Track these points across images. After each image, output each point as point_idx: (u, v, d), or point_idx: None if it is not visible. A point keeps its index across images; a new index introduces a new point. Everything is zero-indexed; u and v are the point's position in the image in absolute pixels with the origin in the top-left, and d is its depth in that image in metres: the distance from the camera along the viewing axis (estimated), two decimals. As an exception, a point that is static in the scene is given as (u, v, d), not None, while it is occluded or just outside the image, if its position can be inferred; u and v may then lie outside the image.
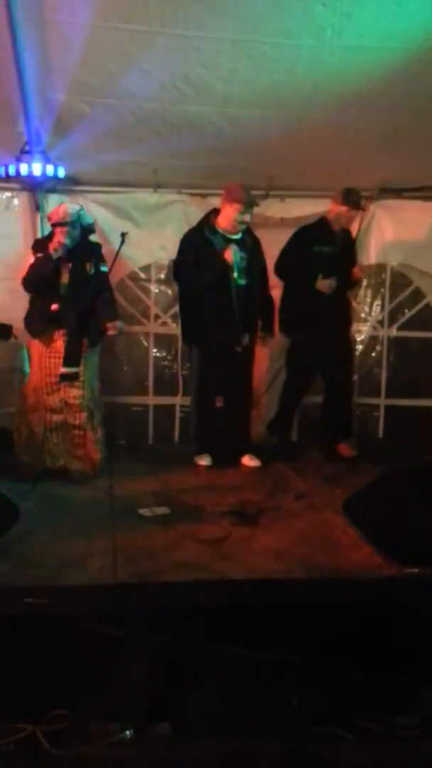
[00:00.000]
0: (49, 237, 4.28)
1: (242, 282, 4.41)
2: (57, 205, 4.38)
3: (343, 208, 4.57)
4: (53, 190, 4.81)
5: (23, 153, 4.38)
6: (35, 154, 4.37)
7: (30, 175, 4.45)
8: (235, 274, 4.36)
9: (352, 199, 4.57)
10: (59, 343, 4.20)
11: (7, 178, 4.51)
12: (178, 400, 5.31)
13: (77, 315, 4.16)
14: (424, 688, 3.01)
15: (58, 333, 4.20)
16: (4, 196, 4.89)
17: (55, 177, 4.54)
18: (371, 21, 3.48)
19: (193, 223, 5.02)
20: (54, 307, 4.12)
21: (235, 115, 4.17)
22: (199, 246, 4.42)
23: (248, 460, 4.67)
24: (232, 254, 4.34)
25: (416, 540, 3.05)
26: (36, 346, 4.29)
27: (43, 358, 4.23)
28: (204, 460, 4.64)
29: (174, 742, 2.77)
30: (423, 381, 5.41)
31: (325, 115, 4.15)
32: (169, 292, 5.29)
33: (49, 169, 4.45)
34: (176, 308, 5.25)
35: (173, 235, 5.07)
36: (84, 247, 4.25)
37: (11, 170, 4.42)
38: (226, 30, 3.52)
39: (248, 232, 4.55)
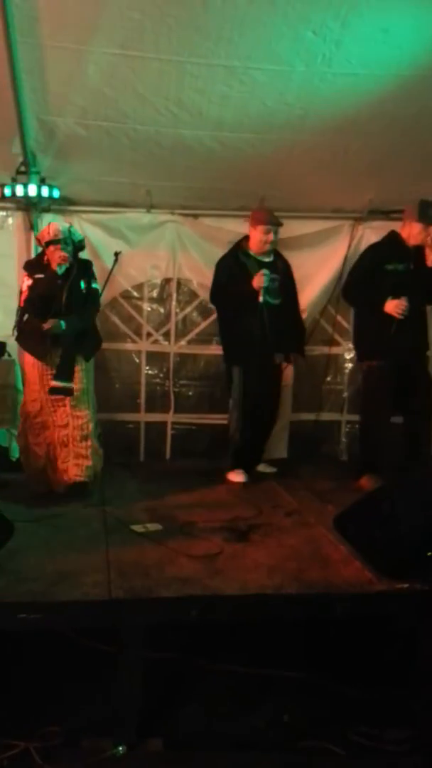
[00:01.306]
0: (40, 257, 4.30)
1: (275, 302, 4.58)
2: (47, 223, 4.39)
3: (419, 225, 4.35)
4: (48, 210, 4.86)
5: (19, 173, 4.44)
6: (31, 175, 4.43)
7: (25, 195, 4.50)
8: (267, 296, 4.52)
9: (430, 214, 4.34)
10: (56, 359, 4.19)
11: (3, 197, 4.55)
12: (170, 417, 5.35)
13: (74, 331, 4.17)
14: (415, 701, 3.04)
15: (55, 351, 4.19)
16: (-1, 215, 4.95)
17: (50, 197, 4.59)
18: (360, 48, 3.61)
19: (186, 243, 5.14)
20: (46, 325, 4.11)
21: (227, 138, 4.27)
22: (233, 269, 4.58)
23: (264, 468, 4.93)
24: (261, 279, 4.48)
25: (406, 555, 3.09)
26: (35, 365, 4.24)
27: (45, 377, 4.21)
28: (239, 477, 4.69)
29: (166, 758, 2.78)
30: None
31: (315, 139, 4.25)
32: (161, 310, 5.35)
33: (44, 190, 4.51)
34: (168, 326, 5.33)
35: (166, 255, 5.17)
36: (77, 264, 4.27)
37: (7, 190, 4.46)
38: (219, 56, 3.63)
39: (279, 255, 4.74)
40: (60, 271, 4.14)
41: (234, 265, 4.59)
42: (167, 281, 5.29)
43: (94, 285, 4.33)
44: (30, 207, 4.82)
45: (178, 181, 4.73)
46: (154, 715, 2.92)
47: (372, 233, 5.18)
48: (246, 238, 4.68)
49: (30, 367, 4.29)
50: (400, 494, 3.22)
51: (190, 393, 5.44)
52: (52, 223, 4.26)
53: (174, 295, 5.29)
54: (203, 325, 5.35)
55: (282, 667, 3.21)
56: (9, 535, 3.20)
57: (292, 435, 5.37)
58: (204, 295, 5.24)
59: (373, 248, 4.60)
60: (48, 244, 4.18)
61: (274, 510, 4.09)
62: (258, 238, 4.57)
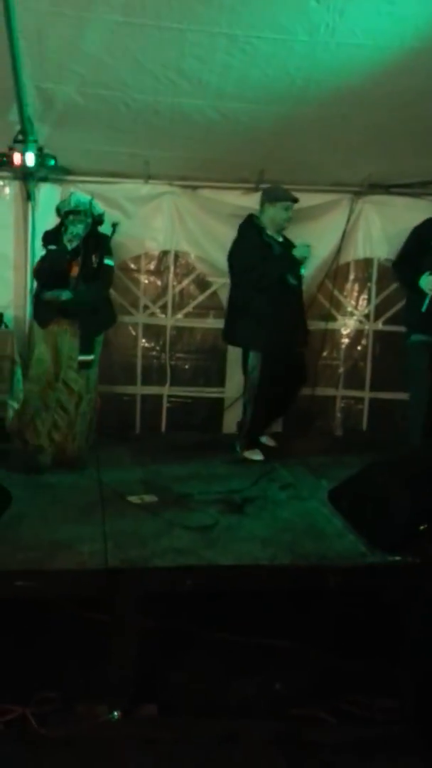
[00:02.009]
0: (59, 228, 4.30)
1: (295, 283, 4.58)
2: (69, 194, 4.46)
3: None
4: (45, 180, 4.81)
5: (16, 142, 4.38)
6: (28, 143, 4.37)
7: (22, 164, 4.45)
8: (290, 277, 4.51)
9: None
10: (64, 333, 4.24)
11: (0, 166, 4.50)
12: (166, 390, 5.36)
13: (88, 306, 4.20)
14: (402, 673, 3.10)
15: (63, 322, 4.23)
16: (-5, 185, 4.89)
17: (47, 166, 4.54)
18: (364, 19, 3.53)
19: (184, 215, 5.10)
20: (65, 297, 4.16)
21: (227, 109, 4.20)
22: (262, 249, 4.52)
23: (268, 440, 4.91)
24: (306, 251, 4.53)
25: (398, 529, 3.13)
26: (40, 334, 4.35)
27: (50, 346, 4.28)
28: (256, 455, 4.68)
29: (161, 723, 2.84)
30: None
31: (317, 111, 4.19)
32: (159, 282, 5.32)
33: (42, 159, 4.44)
34: (165, 299, 5.30)
35: (164, 226, 5.13)
36: (93, 238, 4.26)
37: (3, 159, 4.40)
38: (221, 24, 3.55)
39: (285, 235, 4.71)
40: (71, 246, 4.16)
41: (262, 245, 4.52)
42: (165, 253, 5.25)
43: (107, 261, 4.32)
44: (27, 176, 4.76)
45: (176, 151, 4.67)
46: (149, 682, 2.97)
47: (372, 208, 5.16)
48: (254, 215, 4.64)
49: (39, 340, 4.36)
50: (395, 470, 3.26)
51: (187, 366, 5.43)
52: (74, 193, 4.31)
53: (171, 268, 5.26)
54: (200, 298, 5.33)
55: (275, 636, 3.26)
56: (6, 504, 3.23)
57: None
58: (202, 268, 5.24)
59: (418, 227, 4.69)
60: (67, 214, 4.20)
61: (269, 483, 4.12)
62: (278, 215, 4.57)
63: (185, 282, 5.33)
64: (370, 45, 3.71)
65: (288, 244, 4.67)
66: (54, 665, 3.04)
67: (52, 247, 4.20)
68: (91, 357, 4.25)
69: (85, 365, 4.25)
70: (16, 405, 4.55)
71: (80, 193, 4.37)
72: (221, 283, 5.23)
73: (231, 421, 5.32)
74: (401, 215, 5.13)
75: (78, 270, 4.15)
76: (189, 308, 5.34)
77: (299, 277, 4.67)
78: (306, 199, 5.02)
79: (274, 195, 4.56)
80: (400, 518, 3.13)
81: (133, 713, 2.85)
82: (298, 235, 4.94)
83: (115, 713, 2.82)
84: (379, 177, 4.97)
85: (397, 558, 3.09)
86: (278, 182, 5.02)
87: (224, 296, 5.25)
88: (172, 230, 5.13)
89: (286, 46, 3.72)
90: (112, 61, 3.82)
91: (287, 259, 4.54)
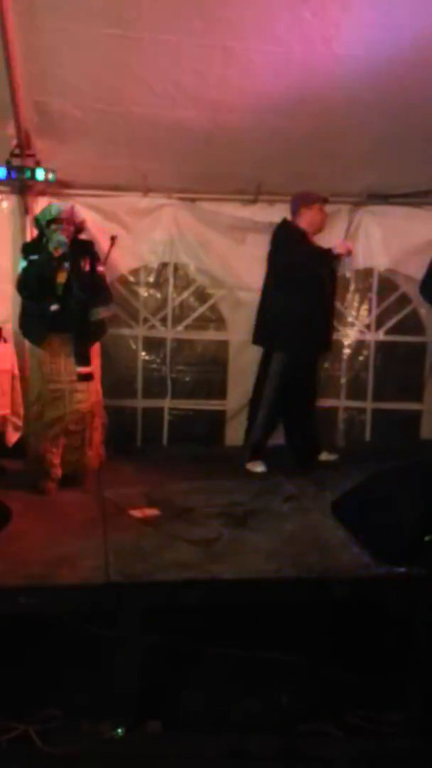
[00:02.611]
0: (39, 239, 4.19)
1: (329, 287, 4.60)
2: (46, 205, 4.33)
3: None
4: (43, 194, 4.81)
5: (13, 156, 4.39)
6: (25, 158, 4.38)
7: (19, 178, 4.46)
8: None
9: None
10: (61, 346, 4.07)
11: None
12: (167, 403, 5.34)
13: (78, 314, 4.05)
14: (410, 685, 3.06)
15: (58, 337, 4.07)
16: (-7, 199, 4.90)
17: (45, 180, 4.55)
18: (359, 31, 3.56)
19: (183, 227, 5.10)
20: (54, 308, 3.99)
21: (224, 121, 4.21)
22: (307, 248, 4.52)
23: (326, 456, 4.83)
24: (347, 244, 4.55)
25: (403, 540, 3.10)
26: (36, 353, 4.18)
27: (45, 366, 4.11)
28: (259, 467, 4.63)
29: (165, 740, 2.80)
30: (409, 384, 5.47)
31: (314, 122, 4.20)
32: (158, 295, 5.32)
33: (39, 173, 4.45)
34: (165, 312, 5.30)
35: (163, 239, 5.12)
36: (77, 244, 4.14)
37: (1, 173, 4.41)
38: (217, 37, 3.58)
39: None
40: (58, 254, 4.03)
41: (307, 245, 4.51)
42: (164, 266, 5.25)
43: (100, 268, 4.22)
44: (25, 190, 4.77)
45: (175, 164, 4.68)
46: (153, 698, 2.94)
47: (371, 218, 5.16)
48: (290, 222, 4.63)
49: (36, 357, 4.20)
50: (399, 480, 3.23)
51: (187, 378, 5.42)
52: (52, 203, 4.20)
53: (171, 280, 5.25)
54: (200, 310, 5.32)
55: (280, 651, 3.23)
56: (7, 520, 3.20)
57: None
58: (201, 280, 5.23)
59: None
60: (48, 223, 4.09)
61: (272, 496, 4.09)
62: (319, 216, 4.58)
63: (185, 294, 5.32)
64: (366, 56, 3.73)
65: (322, 248, 4.63)
66: (57, 681, 3.02)
67: (34, 257, 4.08)
68: (89, 368, 4.11)
69: (84, 377, 4.11)
70: (16, 420, 4.52)
71: (60, 203, 4.31)
72: (221, 295, 5.23)
73: (233, 433, 5.30)
74: (401, 225, 5.14)
75: (66, 277, 4.02)
76: (189, 320, 5.33)
77: (334, 279, 4.68)
78: (305, 210, 5.02)
79: (308, 198, 4.56)
80: (405, 529, 3.10)
81: (138, 730, 2.81)
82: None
83: (119, 730, 2.79)
84: (378, 187, 4.97)
85: (402, 570, 3.05)
86: (276, 194, 5.05)
87: (224, 308, 5.27)
88: (171, 242, 5.13)
89: (282, 58, 3.74)
90: (109, 74, 3.85)
91: (324, 261, 4.53)
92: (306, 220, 4.59)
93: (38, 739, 2.68)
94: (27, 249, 4.23)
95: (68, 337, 4.06)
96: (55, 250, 4.02)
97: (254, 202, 5.05)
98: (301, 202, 4.60)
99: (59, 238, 4.02)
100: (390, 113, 4.14)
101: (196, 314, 5.34)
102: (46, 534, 3.36)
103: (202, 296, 5.31)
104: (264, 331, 4.73)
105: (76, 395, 4.09)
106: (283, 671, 3.17)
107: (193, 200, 5.08)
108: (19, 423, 4.55)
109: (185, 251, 5.17)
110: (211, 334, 5.36)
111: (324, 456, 4.83)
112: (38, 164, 4.44)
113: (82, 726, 2.79)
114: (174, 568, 3.03)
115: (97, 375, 4.34)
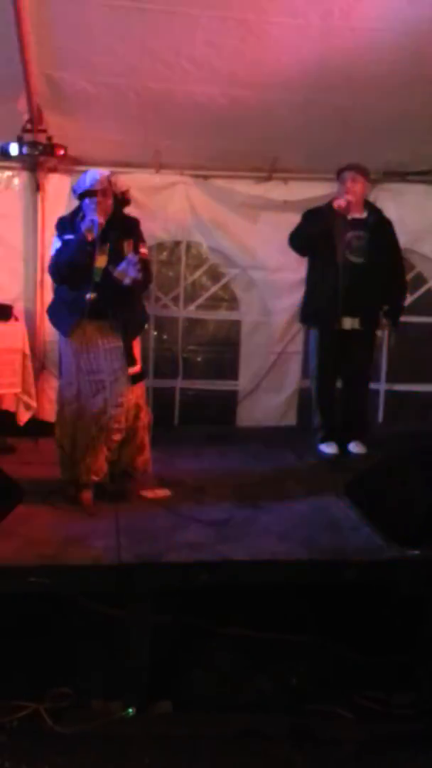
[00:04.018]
0: (75, 214, 3.59)
1: (357, 261, 4.35)
2: (83, 173, 3.63)
3: None
4: (55, 170, 4.76)
5: (25, 132, 4.33)
6: (37, 133, 4.33)
7: (31, 154, 4.40)
8: (348, 253, 4.32)
9: None
10: (94, 335, 3.52)
11: (8, 156, 4.45)
12: (179, 383, 5.31)
13: (120, 304, 3.48)
14: (420, 667, 3.06)
15: (92, 326, 3.51)
16: (4, 175, 4.83)
17: (57, 156, 4.49)
18: (378, 3, 3.47)
19: (196, 204, 5.03)
20: (90, 297, 3.41)
21: (239, 96, 4.13)
22: (317, 215, 4.39)
23: (355, 447, 4.55)
24: (342, 201, 4.28)
25: (417, 522, 3.08)
26: (69, 344, 3.59)
27: (79, 357, 3.55)
28: (330, 448, 4.53)
29: (175, 720, 2.81)
30: (424, 366, 5.41)
31: (330, 97, 4.12)
32: (170, 273, 5.27)
33: (51, 149, 4.39)
34: (177, 291, 5.25)
35: (175, 216, 5.06)
36: (119, 221, 3.55)
37: (13, 149, 4.36)
38: (233, 9, 3.50)
39: (374, 212, 4.50)
40: (92, 237, 3.40)
41: (321, 214, 4.37)
42: (176, 244, 5.20)
43: (143, 249, 3.62)
44: (36, 167, 4.72)
45: (188, 140, 4.61)
46: (164, 678, 2.95)
47: (387, 196, 5.07)
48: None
49: (67, 348, 3.64)
50: (413, 462, 3.20)
51: (199, 359, 5.40)
52: (90, 170, 3.61)
53: (183, 259, 5.21)
54: (213, 289, 5.28)
55: (291, 631, 3.23)
56: (19, 499, 3.20)
57: (302, 402, 5.32)
58: (214, 258, 5.17)
59: None
60: (82, 196, 3.49)
61: (285, 476, 4.07)
62: (342, 189, 4.37)
63: (197, 273, 5.28)
64: (385, 29, 3.64)
65: (365, 222, 4.43)
66: (68, 661, 3.03)
67: (70, 236, 3.49)
68: (138, 368, 3.61)
69: (137, 378, 3.60)
70: (27, 399, 4.51)
71: (97, 169, 3.67)
72: (234, 274, 5.18)
73: (245, 413, 5.28)
74: (417, 203, 5.06)
75: (106, 261, 3.42)
76: (201, 300, 5.30)
77: (369, 255, 4.37)
78: (320, 188, 4.94)
79: (338, 172, 4.43)
80: (419, 511, 3.08)
81: (148, 709, 2.82)
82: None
83: (130, 709, 2.80)
84: (395, 165, 4.88)
85: (416, 552, 3.03)
86: (291, 171, 4.97)
87: (237, 287, 5.21)
88: (184, 220, 5.06)
89: (300, 30, 3.65)
90: (122, 48, 3.77)
91: (349, 234, 4.35)
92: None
93: (49, 718, 2.70)
94: (61, 226, 3.62)
95: (105, 327, 3.52)
96: (88, 232, 3.39)
97: (268, 179, 4.98)
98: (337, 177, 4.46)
99: (93, 217, 3.39)
100: (408, 89, 4.05)
101: (208, 293, 5.30)
102: (57, 514, 3.36)
103: (214, 275, 5.27)
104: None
105: (118, 387, 3.55)
106: (294, 652, 3.17)
107: (206, 177, 5.01)
108: (32, 402, 4.55)
109: (198, 229, 5.10)
110: (223, 314, 5.32)
111: (353, 446, 4.56)
112: (50, 140, 4.38)
113: (92, 705, 2.81)
114: (185, 549, 3.02)
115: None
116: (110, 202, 3.50)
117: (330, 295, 4.31)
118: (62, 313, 3.61)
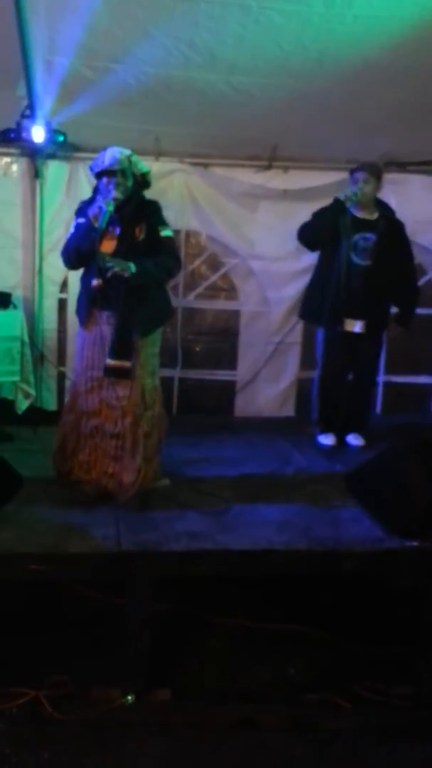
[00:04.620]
0: (94, 194, 3.46)
1: (362, 263, 4.28)
2: (101, 152, 3.44)
3: None
4: (53, 157, 4.72)
5: (24, 117, 4.30)
6: (36, 119, 4.29)
7: (30, 140, 4.37)
8: (352, 254, 4.27)
9: None
10: (104, 327, 3.33)
11: (7, 142, 4.41)
12: (177, 373, 5.29)
13: (125, 293, 3.26)
14: (420, 659, 3.07)
15: (101, 315, 3.34)
16: (2, 162, 4.78)
17: (56, 142, 4.46)
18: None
19: (195, 193, 5.00)
20: (95, 283, 3.25)
21: (240, 83, 4.09)
22: (326, 214, 4.32)
23: (353, 439, 4.56)
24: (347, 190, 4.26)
25: (417, 514, 3.08)
26: (81, 335, 3.46)
27: (85, 348, 3.40)
28: (328, 440, 4.53)
29: (174, 708, 2.82)
30: (422, 357, 5.41)
31: (332, 86, 4.08)
32: (170, 262, 5.24)
33: (50, 135, 4.35)
34: (176, 280, 5.20)
35: (175, 205, 5.01)
36: (135, 205, 3.35)
37: (12, 135, 4.32)
38: (235, -6, 3.46)
39: (386, 215, 4.43)
40: (97, 221, 3.26)
41: (329, 213, 4.30)
42: (175, 233, 5.14)
43: (164, 232, 3.37)
44: (35, 153, 4.67)
45: (188, 127, 4.57)
46: (163, 666, 2.95)
47: (386, 187, 5.03)
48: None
49: (79, 337, 3.51)
50: (413, 454, 3.20)
51: (198, 348, 5.38)
52: (110, 149, 3.39)
53: (182, 248, 5.17)
54: (212, 278, 5.25)
55: (290, 622, 3.24)
56: (19, 488, 3.20)
57: (300, 393, 5.32)
58: (213, 248, 5.15)
59: None
60: (100, 175, 3.32)
61: (283, 467, 4.07)
62: (349, 188, 4.31)
63: (197, 262, 5.24)
64: (388, 16, 3.60)
65: (374, 223, 4.38)
66: (67, 649, 3.03)
67: (81, 220, 3.34)
68: (127, 363, 3.29)
69: (113, 372, 3.31)
70: (26, 387, 4.50)
71: (118, 147, 3.43)
72: (233, 264, 5.15)
73: (243, 404, 5.28)
74: (417, 194, 5.04)
75: (115, 246, 3.24)
76: (200, 289, 5.27)
77: (377, 257, 4.30)
78: (320, 177, 4.93)
79: (352, 170, 4.36)
80: (418, 503, 3.08)
81: (147, 698, 2.83)
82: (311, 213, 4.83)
83: (129, 697, 2.81)
84: (396, 154, 4.86)
85: (415, 543, 3.04)
86: (291, 160, 4.94)
87: (237, 277, 5.19)
88: (183, 209, 5.02)
89: (302, 17, 3.61)
90: (122, 33, 3.72)
91: (357, 235, 4.30)
92: (348, 191, 4.35)
93: (48, 705, 2.70)
94: (79, 208, 3.50)
95: (113, 319, 3.34)
96: (94, 219, 3.26)
97: (268, 168, 4.95)
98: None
99: (101, 204, 3.26)
100: (410, 78, 4.01)
101: (207, 283, 5.27)
102: (57, 502, 3.35)
103: (214, 265, 5.23)
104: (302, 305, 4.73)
105: (116, 389, 3.35)
106: (293, 642, 3.18)
107: (205, 165, 4.97)
108: (30, 391, 4.53)
109: (197, 218, 5.07)
110: (222, 304, 5.30)
111: (352, 438, 4.59)
112: (49, 126, 4.34)
113: (92, 693, 2.81)
114: (185, 538, 3.02)
115: (151, 372, 3.51)
116: (129, 183, 3.33)
117: (331, 296, 4.30)
118: (81, 301, 3.46)
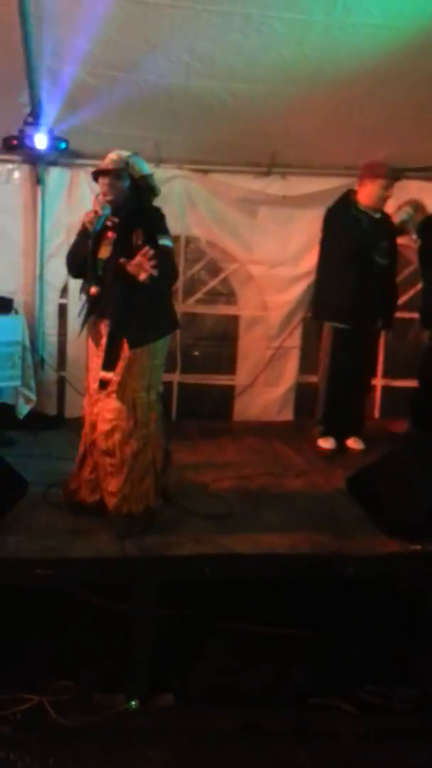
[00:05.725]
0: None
1: (382, 262, 4.36)
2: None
3: None
4: (55, 163, 4.74)
5: (26, 124, 4.31)
6: (38, 126, 4.30)
7: (32, 147, 4.38)
8: (376, 254, 4.32)
9: None
10: (105, 338, 3.15)
11: (10, 149, 4.42)
12: (176, 377, 5.30)
13: (117, 302, 3.07)
14: (422, 662, 3.08)
15: (102, 324, 3.17)
16: (4, 169, 4.80)
17: (58, 149, 4.47)
18: (381, -2, 3.46)
19: (195, 199, 5.01)
20: (93, 290, 3.11)
21: (240, 91, 4.11)
22: (345, 219, 4.37)
23: (353, 443, 4.57)
24: (402, 212, 4.40)
25: (419, 517, 3.10)
26: (88, 343, 3.31)
27: (89, 358, 3.29)
28: (328, 443, 4.52)
29: (178, 713, 2.83)
30: (419, 362, 5.42)
31: (331, 93, 4.11)
32: (169, 267, 5.25)
33: (52, 142, 4.37)
34: (176, 285, 5.22)
35: (174, 211, 5.02)
36: (134, 209, 3.18)
37: (14, 142, 4.33)
38: (236, 3, 3.48)
39: (385, 214, 4.50)
40: (93, 228, 3.11)
41: (345, 216, 4.37)
42: (175, 239, 5.16)
43: (162, 241, 3.13)
44: (37, 160, 4.69)
45: (188, 134, 4.59)
46: (166, 671, 2.96)
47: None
48: (351, 192, 4.48)
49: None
50: (416, 458, 3.22)
51: (197, 353, 5.39)
52: (112, 151, 3.26)
53: (182, 253, 5.19)
54: (212, 284, 5.26)
55: (293, 626, 3.25)
56: (23, 492, 3.20)
57: (299, 397, 5.33)
58: (213, 253, 5.16)
59: None
60: (96, 175, 3.20)
61: (284, 471, 4.09)
62: (375, 193, 4.33)
63: (196, 267, 5.26)
64: (387, 25, 3.63)
65: (383, 222, 4.46)
66: (71, 654, 3.04)
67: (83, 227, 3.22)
68: (110, 375, 3.10)
69: (104, 385, 3.12)
70: (27, 392, 4.50)
71: (120, 150, 3.31)
72: (232, 269, 5.17)
73: (242, 408, 5.29)
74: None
75: (111, 251, 3.09)
76: (200, 294, 5.28)
77: (390, 255, 4.43)
78: (318, 184, 4.95)
79: (376, 171, 4.37)
80: (421, 506, 3.09)
81: (151, 702, 2.84)
82: (310, 219, 4.84)
83: (133, 702, 2.81)
84: (394, 160, 4.88)
85: (418, 547, 3.05)
86: (290, 166, 4.96)
87: (236, 282, 5.21)
88: (183, 215, 5.04)
89: (302, 26, 3.64)
90: (123, 40, 3.74)
91: (375, 236, 4.36)
92: (365, 193, 4.39)
93: (52, 710, 2.71)
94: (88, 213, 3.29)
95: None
96: (89, 223, 3.11)
97: (267, 174, 4.97)
98: (367, 172, 4.40)
99: (103, 203, 3.10)
100: (409, 85, 4.04)
101: (207, 288, 5.28)
102: (60, 507, 3.35)
103: (213, 270, 5.25)
104: (313, 304, 4.74)
105: (108, 402, 3.14)
106: (296, 646, 3.19)
107: (205, 172, 5.00)
108: (31, 396, 4.54)
109: (197, 224, 5.09)
110: (221, 309, 5.32)
111: (351, 442, 4.57)
112: (51, 133, 4.35)
113: (95, 698, 2.82)
114: (189, 543, 3.03)
115: (146, 385, 3.19)
116: (125, 185, 3.14)
117: (358, 295, 4.30)
118: (83, 308, 3.25)
